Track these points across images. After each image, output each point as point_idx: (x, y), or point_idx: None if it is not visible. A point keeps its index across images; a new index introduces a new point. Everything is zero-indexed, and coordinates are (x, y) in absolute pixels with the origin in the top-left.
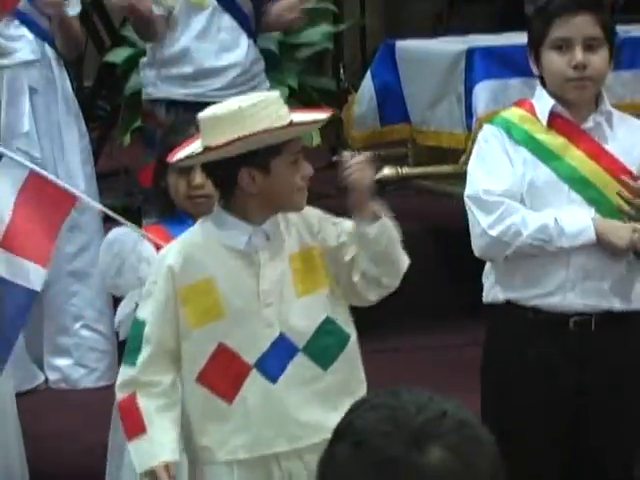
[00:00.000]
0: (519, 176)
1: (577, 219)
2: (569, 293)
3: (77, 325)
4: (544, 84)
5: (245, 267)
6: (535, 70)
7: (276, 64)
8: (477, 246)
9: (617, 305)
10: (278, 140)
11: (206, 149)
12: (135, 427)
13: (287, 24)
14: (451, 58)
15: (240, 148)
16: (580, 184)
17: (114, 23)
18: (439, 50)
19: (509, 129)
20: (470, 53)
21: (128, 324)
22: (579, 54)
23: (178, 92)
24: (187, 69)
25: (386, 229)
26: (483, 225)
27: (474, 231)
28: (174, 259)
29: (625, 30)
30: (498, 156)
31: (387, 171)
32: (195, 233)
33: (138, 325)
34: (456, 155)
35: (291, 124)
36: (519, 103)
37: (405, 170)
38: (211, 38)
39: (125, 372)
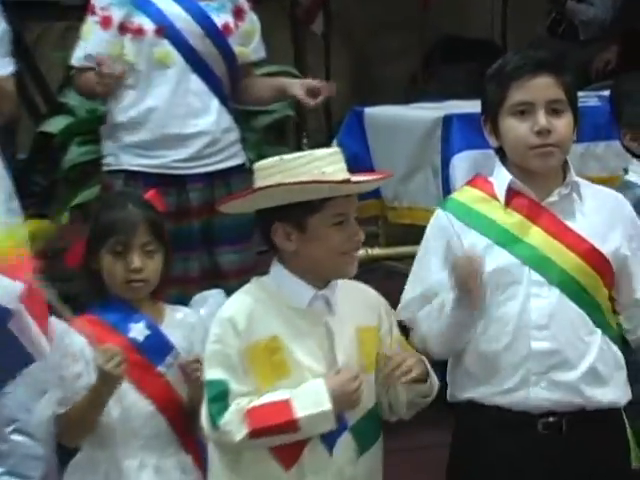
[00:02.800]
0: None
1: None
2: (533, 388)
3: (8, 429)
4: (502, 156)
5: (311, 326)
6: (492, 142)
7: None
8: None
9: (591, 401)
10: (312, 196)
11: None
12: (284, 422)
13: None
14: (426, 126)
15: (267, 200)
16: (541, 265)
17: (50, 88)
18: (412, 117)
19: (461, 214)
20: (447, 120)
21: (49, 427)
22: (542, 119)
23: (138, 163)
24: (149, 136)
25: (434, 387)
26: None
27: None
28: (238, 317)
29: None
30: (431, 251)
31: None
32: (255, 290)
33: (217, 384)
34: None
35: (324, 181)
36: (473, 181)
37: (375, 251)
38: (177, 102)
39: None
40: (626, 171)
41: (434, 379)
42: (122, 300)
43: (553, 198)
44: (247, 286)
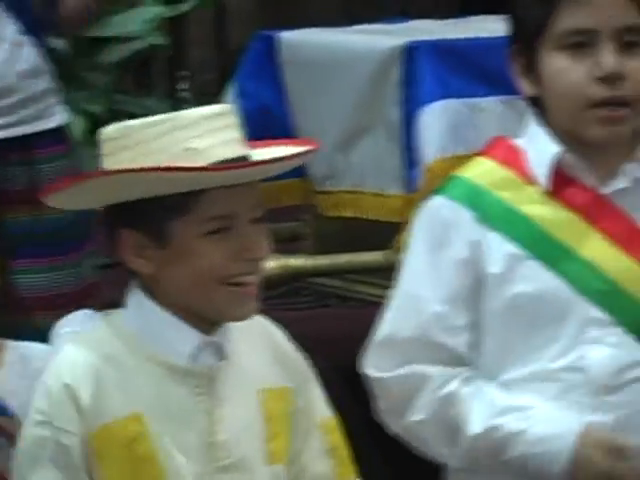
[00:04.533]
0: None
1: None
2: None
3: None
4: (542, 113)
5: (190, 396)
6: (526, 87)
7: (68, 75)
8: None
9: None
10: (166, 189)
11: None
12: None
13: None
14: (376, 62)
15: (102, 194)
16: (605, 293)
17: None
18: (355, 47)
19: (475, 204)
20: (411, 52)
21: None
22: (609, 57)
23: None
24: None
25: None
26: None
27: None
28: (80, 385)
29: None
30: (427, 270)
31: (272, 264)
32: (103, 337)
33: None
34: (387, 233)
35: (173, 168)
36: (491, 148)
37: (300, 261)
38: None
39: None
40: None
41: None
42: None
43: (618, 184)
44: (92, 329)
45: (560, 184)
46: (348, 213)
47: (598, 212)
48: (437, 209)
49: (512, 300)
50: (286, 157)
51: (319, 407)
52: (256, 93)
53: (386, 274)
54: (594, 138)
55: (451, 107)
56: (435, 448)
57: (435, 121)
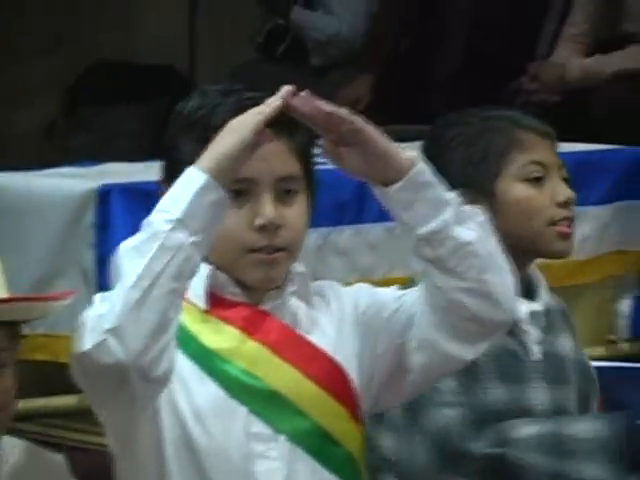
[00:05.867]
0: None
1: None
2: None
3: None
4: None
5: None
6: None
7: None
8: None
9: None
10: None
11: None
12: None
13: None
14: (69, 205)
15: None
16: (269, 404)
17: None
18: (47, 191)
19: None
20: (104, 195)
21: None
22: (267, 206)
23: None
24: None
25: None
26: None
27: None
28: None
29: None
30: None
31: None
32: None
33: None
34: None
35: None
36: None
37: None
38: None
39: None
40: None
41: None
42: None
43: (272, 299)
44: None
45: (217, 303)
46: (42, 357)
47: (255, 325)
48: None
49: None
50: None
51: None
52: None
53: (82, 418)
54: (252, 281)
55: None
56: None
57: None
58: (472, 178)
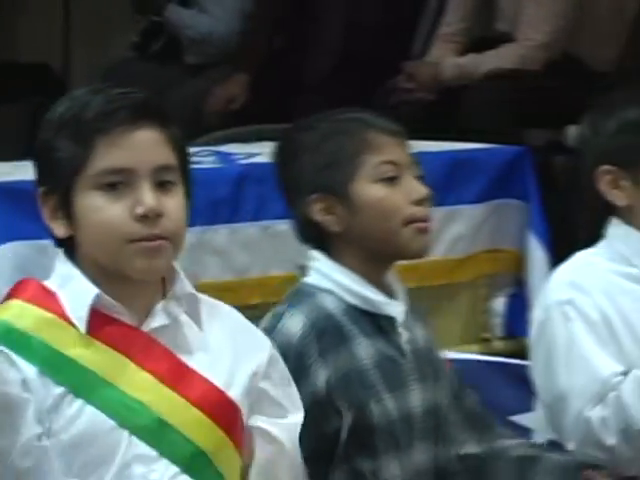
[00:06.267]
0: None
1: None
2: None
3: None
4: (74, 254)
5: None
6: (57, 229)
7: None
8: None
9: None
10: None
11: None
12: None
13: None
14: None
15: None
16: (152, 429)
17: None
18: None
19: (19, 347)
20: None
21: None
22: (147, 196)
23: None
24: None
25: None
26: None
27: None
28: None
29: None
30: None
31: None
32: None
33: None
34: None
35: None
36: (23, 291)
37: None
38: None
39: None
40: (303, 270)
41: None
42: None
43: (158, 322)
44: None
45: (100, 324)
46: None
47: (139, 350)
48: None
49: (70, 444)
50: None
51: None
52: None
53: None
54: (136, 272)
55: (16, 250)
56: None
57: (2, 264)
58: (325, 182)
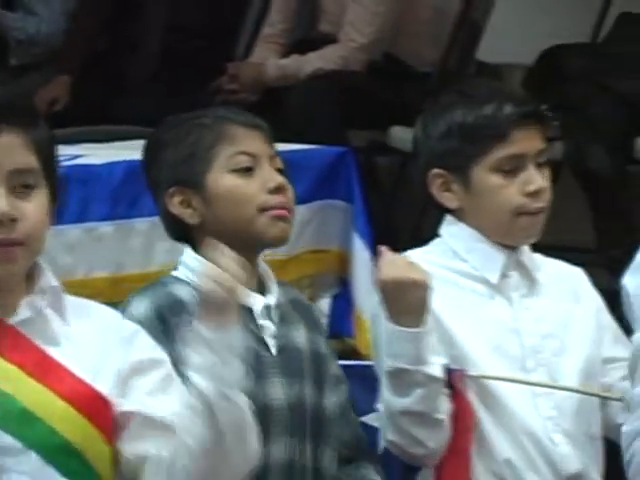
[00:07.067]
0: None
1: None
2: None
3: None
4: None
5: None
6: None
7: None
8: None
9: None
10: None
11: None
12: None
13: None
14: None
15: None
16: (20, 422)
17: None
18: None
19: None
20: None
21: None
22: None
23: None
24: None
25: None
26: None
27: None
28: None
29: None
30: None
31: None
32: None
33: None
34: None
35: None
36: None
37: None
38: None
39: None
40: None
41: None
42: None
43: (23, 315)
44: None
45: None
46: None
47: (5, 343)
48: None
49: None
50: None
51: None
52: None
53: None
54: None
55: None
56: None
57: None
58: (183, 176)
